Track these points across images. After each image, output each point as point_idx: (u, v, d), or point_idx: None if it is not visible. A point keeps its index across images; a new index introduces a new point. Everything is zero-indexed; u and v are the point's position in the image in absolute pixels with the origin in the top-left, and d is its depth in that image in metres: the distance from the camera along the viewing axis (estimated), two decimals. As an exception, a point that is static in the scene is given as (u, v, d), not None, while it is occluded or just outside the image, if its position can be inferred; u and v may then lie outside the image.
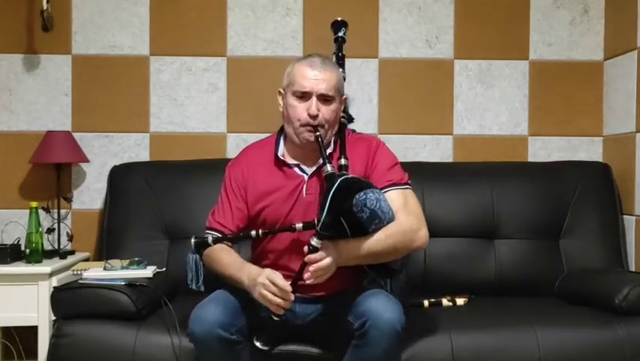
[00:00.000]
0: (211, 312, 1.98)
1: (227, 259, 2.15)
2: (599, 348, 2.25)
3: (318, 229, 1.98)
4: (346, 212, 2.00)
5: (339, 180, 2.02)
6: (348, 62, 3.03)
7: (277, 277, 1.97)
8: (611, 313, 2.35)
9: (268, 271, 2.00)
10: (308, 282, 1.99)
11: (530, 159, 3.16)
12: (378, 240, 2.04)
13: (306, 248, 2.00)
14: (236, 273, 2.08)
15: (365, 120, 3.12)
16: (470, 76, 3.15)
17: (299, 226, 2.07)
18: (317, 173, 2.22)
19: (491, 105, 3.16)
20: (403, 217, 2.11)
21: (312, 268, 1.97)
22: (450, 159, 3.15)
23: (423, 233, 2.14)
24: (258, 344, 2.00)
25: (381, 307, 1.95)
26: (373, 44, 3.13)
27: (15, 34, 3.05)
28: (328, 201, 1.97)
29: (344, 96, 2.32)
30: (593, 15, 3.16)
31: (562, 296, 2.67)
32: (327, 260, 1.98)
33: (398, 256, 2.13)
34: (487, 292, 2.72)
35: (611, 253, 2.84)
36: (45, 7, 2.86)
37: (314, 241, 1.98)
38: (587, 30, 3.16)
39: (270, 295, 1.95)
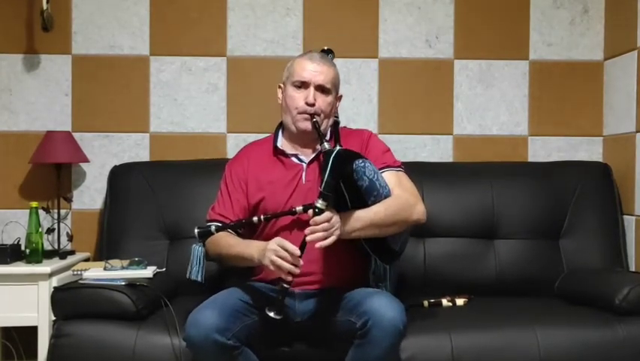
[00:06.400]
0: (207, 317, 1.98)
1: (233, 240, 2.22)
2: (599, 348, 2.25)
3: (321, 189, 2.04)
4: (347, 177, 2.07)
5: (339, 148, 2.15)
6: (348, 61, 3.10)
7: (286, 242, 2.02)
8: (611, 313, 2.35)
9: (277, 238, 2.06)
10: (309, 239, 2.01)
11: (530, 159, 3.16)
12: (377, 211, 2.12)
13: (311, 212, 2.05)
14: (244, 250, 2.14)
15: (365, 120, 3.12)
16: (470, 76, 3.15)
17: (299, 208, 2.13)
18: (315, 160, 2.31)
19: (491, 105, 3.16)
20: (400, 192, 2.22)
21: (312, 225, 2.01)
22: (450, 159, 3.15)
23: (420, 207, 2.24)
24: (271, 314, 2.00)
25: (383, 306, 1.97)
26: (373, 44, 3.13)
27: (15, 34, 3.05)
28: (330, 163, 2.05)
29: (340, 94, 2.41)
30: (593, 15, 3.16)
31: (562, 296, 2.67)
32: (333, 219, 2.02)
33: (398, 229, 2.19)
34: (487, 292, 2.71)
35: (611, 253, 2.84)
36: (45, 7, 2.86)
37: (318, 203, 2.03)
38: (587, 30, 3.16)
39: (279, 261, 2.00)
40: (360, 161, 2.11)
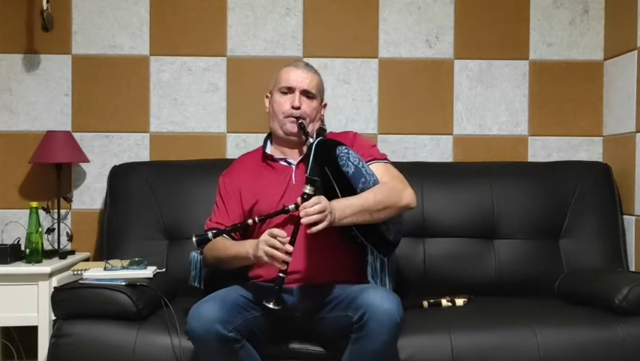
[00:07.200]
0: (209, 309, 2.01)
1: (229, 242, 2.28)
2: (599, 348, 2.25)
3: (307, 174, 2.11)
4: (332, 163, 2.15)
5: (322, 137, 2.27)
6: (348, 61, 3.11)
7: (275, 229, 2.09)
8: (611, 313, 2.35)
9: (268, 230, 2.11)
10: (304, 221, 2.03)
11: (530, 159, 3.16)
12: (367, 197, 2.17)
13: (299, 199, 2.10)
14: (240, 249, 2.19)
15: (365, 120, 3.12)
16: (470, 76, 3.15)
17: (291, 206, 2.19)
18: (303, 160, 2.37)
19: (491, 105, 3.16)
20: (388, 179, 2.30)
21: (303, 210, 2.04)
22: (450, 159, 3.15)
23: (408, 191, 2.30)
24: (270, 305, 2.02)
25: (379, 299, 1.99)
26: (373, 44, 3.13)
27: (15, 34, 3.05)
28: (314, 149, 2.18)
29: (324, 102, 2.50)
30: (593, 15, 3.16)
31: (562, 296, 2.67)
32: (323, 203, 2.05)
33: (390, 213, 2.22)
34: (487, 292, 2.71)
35: (611, 253, 2.84)
36: (45, 7, 2.86)
37: (306, 189, 2.09)
38: (587, 30, 3.16)
39: (270, 250, 2.04)
40: (344, 148, 2.20)
